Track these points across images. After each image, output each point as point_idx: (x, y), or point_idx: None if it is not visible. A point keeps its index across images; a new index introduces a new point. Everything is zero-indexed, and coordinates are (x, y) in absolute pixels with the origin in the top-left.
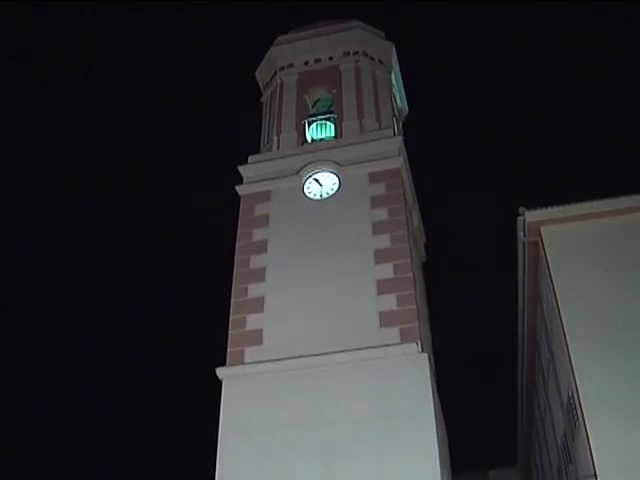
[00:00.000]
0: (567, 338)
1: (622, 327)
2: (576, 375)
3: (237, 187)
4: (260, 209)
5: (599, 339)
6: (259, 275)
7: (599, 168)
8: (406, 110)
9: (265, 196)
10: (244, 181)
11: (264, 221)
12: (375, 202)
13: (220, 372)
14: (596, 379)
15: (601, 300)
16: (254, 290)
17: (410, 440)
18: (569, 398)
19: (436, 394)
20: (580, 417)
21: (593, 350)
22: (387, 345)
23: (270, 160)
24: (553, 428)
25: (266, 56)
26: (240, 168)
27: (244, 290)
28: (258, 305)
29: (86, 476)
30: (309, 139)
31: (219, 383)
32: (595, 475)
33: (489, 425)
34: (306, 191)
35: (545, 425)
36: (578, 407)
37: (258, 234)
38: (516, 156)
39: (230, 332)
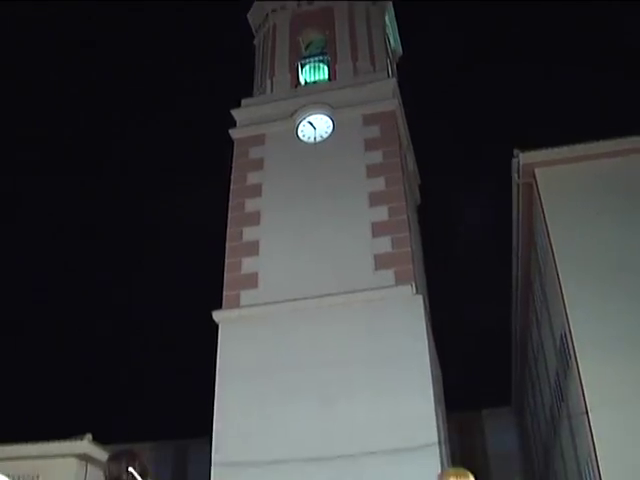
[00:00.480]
0: (560, 279)
1: (615, 268)
2: (569, 315)
3: (230, 131)
4: (254, 153)
5: (592, 280)
6: (254, 218)
7: (595, 110)
8: (400, 51)
9: (259, 140)
10: (237, 125)
11: (258, 165)
12: (369, 145)
13: (216, 315)
14: (588, 319)
15: (595, 242)
16: (249, 234)
17: (405, 380)
18: (562, 338)
19: (430, 335)
20: (572, 356)
21: (586, 291)
22: (382, 287)
23: (263, 103)
24: (546, 368)
25: None
26: (233, 112)
27: (239, 234)
28: (253, 248)
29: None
30: (302, 82)
31: (216, 326)
32: (586, 412)
33: (483, 365)
34: (300, 134)
35: (538, 365)
36: (570, 346)
37: (252, 178)
38: (512, 97)
39: (225, 275)
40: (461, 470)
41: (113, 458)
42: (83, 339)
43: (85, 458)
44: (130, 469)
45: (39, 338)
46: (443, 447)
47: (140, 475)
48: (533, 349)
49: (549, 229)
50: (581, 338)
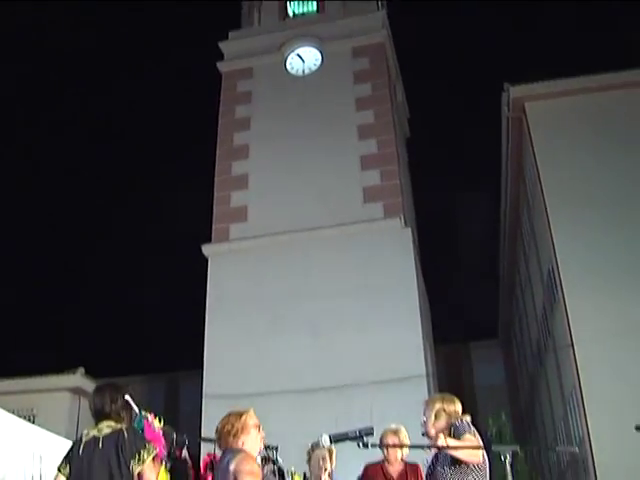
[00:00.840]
0: (548, 213)
1: (603, 202)
2: (556, 249)
3: (218, 64)
4: (242, 86)
5: (580, 214)
6: (242, 152)
7: (586, 44)
8: None
9: (247, 73)
10: (225, 58)
11: (246, 98)
12: (358, 77)
13: (206, 249)
14: (575, 253)
15: (583, 176)
16: (238, 167)
17: (394, 312)
18: (549, 272)
19: (419, 267)
20: (559, 290)
21: (574, 225)
22: (371, 220)
23: (251, 36)
24: (533, 301)
25: None
26: (221, 44)
27: (228, 167)
28: (242, 182)
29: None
30: (291, 14)
31: (206, 260)
32: (572, 344)
33: (471, 298)
34: (288, 67)
35: (525, 298)
36: (557, 280)
37: (240, 111)
38: (502, 31)
39: (215, 209)
40: (447, 395)
41: (97, 391)
42: (75, 275)
43: (78, 391)
44: (126, 396)
45: (29, 274)
46: (430, 379)
47: (124, 407)
48: (521, 283)
49: (538, 163)
50: (568, 272)
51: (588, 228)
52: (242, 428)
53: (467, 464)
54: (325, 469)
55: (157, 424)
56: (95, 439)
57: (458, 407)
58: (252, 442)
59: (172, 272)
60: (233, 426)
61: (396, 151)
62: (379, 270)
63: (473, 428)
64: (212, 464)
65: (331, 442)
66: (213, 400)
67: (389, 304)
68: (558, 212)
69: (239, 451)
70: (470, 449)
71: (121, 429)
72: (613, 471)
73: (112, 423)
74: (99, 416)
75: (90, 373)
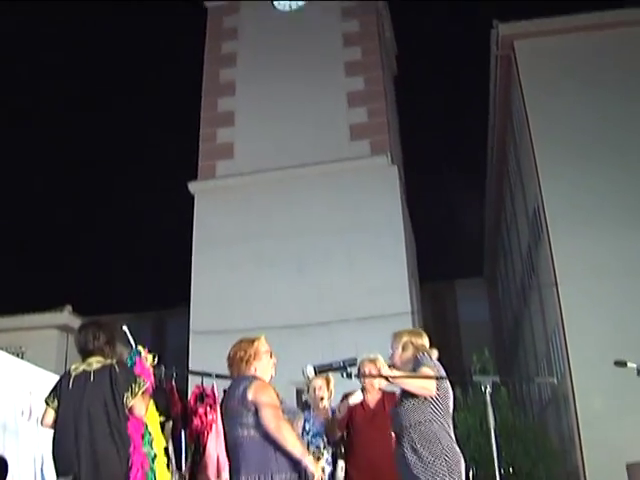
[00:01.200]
0: (535, 152)
1: (590, 143)
2: (542, 188)
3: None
4: (228, 22)
5: (566, 154)
6: (229, 89)
7: None
8: None
9: (233, 8)
10: None
11: (232, 34)
12: (346, 13)
13: (192, 186)
14: (561, 192)
15: (571, 116)
16: (224, 104)
17: (379, 250)
18: (534, 210)
19: (405, 205)
20: (544, 229)
21: (560, 164)
22: (357, 158)
23: None
24: (518, 240)
25: None
26: None
27: (214, 104)
28: (228, 119)
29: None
30: None
31: (192, 198)
32: (555, 283)
33: (456, 236)
34: (275, 3)
35: (511, 237)
36: (542, 219)
37: (226, 47)
38: None
39: (201, 146)
40: (415, 329)
41: (80, 329)
42: (62, 211)
43: (66, 329)
44: (124, 328)
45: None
46: (416, 315)
47: (106, 344)
48: (506, 221)
49: (525, 102)
50: (553, 211)
51: (574, 167)
52: (255, 354)
53: (420, 396)
54: (322, 398)
55: (150, 360)
56: (86, 373)
57: (425, 341)
58: (264, 368)
59: (159, 210)
60: (246, 352)
61: (383, 88)
62: (365, 207)
63: (436, 362)
64: (202, 396)
65: (315, 373)
66: (200, 336)
67: (375, 241)
68: (544, 151)
69: (254, 378)
70: (420, 381)
71: (112, 364)
72: (593, 406)
73: (100, 359)
74: (84, 353)
75: (77, 311)
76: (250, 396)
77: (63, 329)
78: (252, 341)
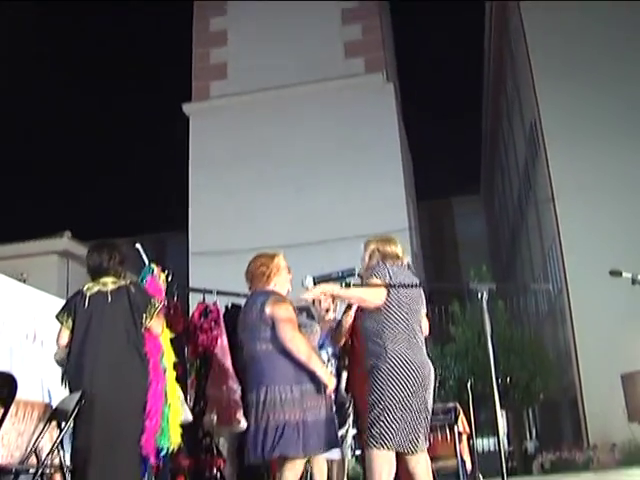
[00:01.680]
0: (532, 67)
1: (588, 59)
2: (539, 103)
3: None
4: None
5: (564, 69)
6: (220, 8)
7: None
8: None
9: None
10: None
11: None
12: None
13: (186, 108)
14: (558, 107)
15: (568, 29)
16: (216, 24)
17: (376, 168)
18: (532, 126)
19: (401, 123)
20: (541, 144)
21: (557, 79)
22: (352, 76)
23: None
24: (515, 156)
25: None
26: None
27: (206, 23)
28: (221, 38)
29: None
30: None
31: (187, 119)
32: (552, 198)
33: (453, 154)
34: None
35: (508, 154)
36: (540, 134)
37: None
38: None
39: (194, 66)
40: (385, 236)
41: (94, 248)
42: (59, 133)
43: (66, 254)
44: (137, 245)
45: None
46: (413, 232)
47: (120, 264)
48: (504, 138)
49: (523, 16)
50: (550, 126)
51: (571, 83)
52: (275, 269)
53: (372, 308)
54: (327, 310)
55: (162, 277)
56: (102, 294)
57: (394, 248)
58: (283, 283)
59: (155, 133)
60: (268, 267)
61: (378, 5)
62: (361, 125)
63: (392, 270)
64: (206, 311)
65: (315, 283)
66: (199, 257)
67: (372, 160)
68: (542, 65)
69: (272, 293)
70: (360, 292)
71: (127, 285)
72: (589, 319)
73: (114, 279)
74: (97, 273)
75: (77, 236)
76: (268, 310)
77: (63, 255)
78: (272, 256)
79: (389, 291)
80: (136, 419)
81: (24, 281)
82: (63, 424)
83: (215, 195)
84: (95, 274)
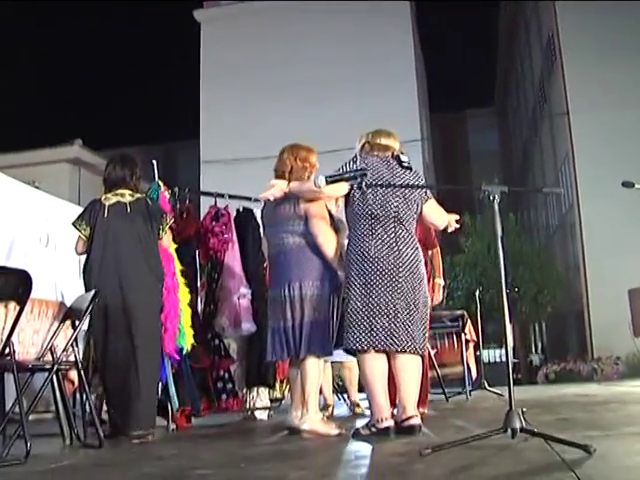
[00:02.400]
0: None
1: None
2: (557, 15)
3: None
4: None
5: None
6: None
7: None
8: None
9: None
10: None
11: None
12: None
13: (198, 14)
14: (577, 22)
15: None
16: None
17: (390, 78)
18: (549, 38)
19: (417, 35)
20: (558, 57)
21: None
22: None
23: None
24: (531, 69)
25: None
26: None
27: None
28: None
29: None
30: None
31: (199, 26)
32: (567, 112)
33: (468, 67)
34: None
35: (524, 66)
36: (557, 47)
37: None
38: None
39: None
40: (380, 130)
41: (117, 161)
42: (69, 44)
43: (77, 162)
44: (153, 162)
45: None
46: (425, 143)
47: (139, 179)
48: (520, 50)
49: None
50: (568, 38)
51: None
52: (314, 165)
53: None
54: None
55: (167, 194)
56: (121, 204)
57: (383, 140)
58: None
59: (167, 40)
60: (310, 162)
61: None
62: (376, 37)
63: (368, 161)
64: (217, 215)
65: (327, 183)
66: (210, 165)
67: (386, 71)
68: None
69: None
70: (308, 185)
71: (144, 197)
72: (599, 233)
73: (130, 192)
74: (115, 185)
75: (88, 144)
76: (302, 205)
77: (74, 163)
78: (313, 151)
79: (353, 185)
80: (154, 321)
81: (37, 188)
82: (77, 322)
83: (226, 103)
84: (113, 186)
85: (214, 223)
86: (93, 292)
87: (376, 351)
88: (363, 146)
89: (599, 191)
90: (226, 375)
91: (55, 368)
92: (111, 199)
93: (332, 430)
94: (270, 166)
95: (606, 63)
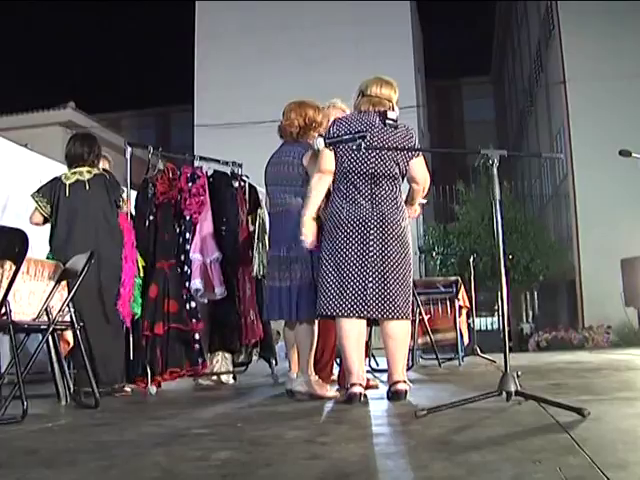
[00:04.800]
0: None
1: None
2: None
3: None
4: None
5: None
6: None
7: None
8: None
9: None
10: None
11: None
12: None
13: None
14: None
15: None
16: None
17: (386, 45)
18: (547, 7)
19: (414, 1)
20: (555, 25)
21: None
22: None
23: None
24: (528, 38)
25: None
26: None
27: None
28: None
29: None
30: None
31: None
32: (564, 81)
33: (464, 34)
34: None
35: (521, 36)
36: (555, 16)
37: None
38: None
39: None
40: (379, 78)
41: (77, 138)
42: (63, 6)
43: (70, 125)
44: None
45: (20, 6)
46: (421, 110)
47: (97, 156)
48: (517, 18)
49: None
50: (566, 8)
51: None
52: (324, 124)
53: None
54: None
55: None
56: (81, 182)
57: (377, 90)
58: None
59: (162, 4)
60: (318, 121)
61: None
62: (374, 3)
63: (347, 120)
64: (193, 176)
65: (326, 145)
66: (204, 129)
67: (382, 36)
68: None
69: (310, 147)
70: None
71: (103, 173)
72: (593, 203)
73: (89, 169)
74: (75, 161)
75: (81, 107)
76: (305, 162)
77: (67, 126)
78: (319, 108)
79: (333, 150)
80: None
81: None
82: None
83: (221, 68)
84: (73, 162)
85: (190, 184)
86: (89, 253)
87: (347, 316)
88: (358, 96)
89: (594, 161)
90: (199, 338)
91: (51, 328)
92: (71, 178)
93: (328, 392)
94: (264, 131)
95: (604, 32)
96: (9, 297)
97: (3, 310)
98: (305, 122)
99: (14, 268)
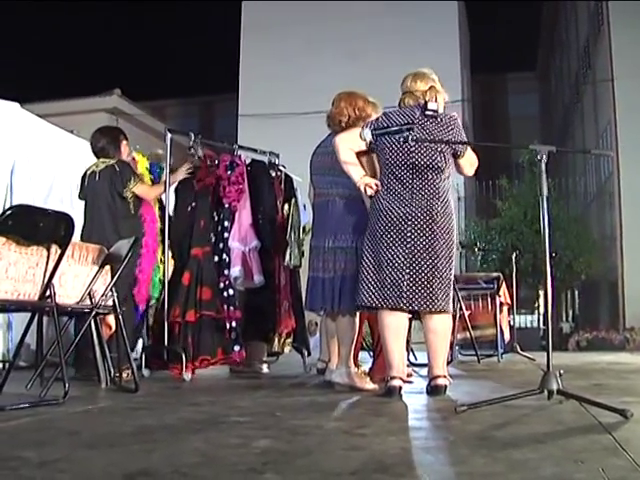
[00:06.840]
0: None
1: None
2: None
3: None
4: None
5: None
6: None
7: None
8: None
9: None
10: None
11: None
12: None
13: None
14: None
15: None
16: None
17: (432, 37)
18: (596, 4)
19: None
20: (605, 22)
21: None
22: None
23: None
24: (577, 34)
25: None
26: None
27: None
28: None
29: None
30: None
31: None
32: (612, 79)
33: (511, 29)
34: None
35: (568, 31)
36: (605, 13)
37: None
38: None
39: None
40: (421, 72)
41: (98, 132)
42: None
43: (115, 112)
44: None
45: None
46: (466, 104)
47: (109, 144)
48: (565, 13)
49: None
50: (616, 5)
51: None
52: (370, 115)
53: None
54: None
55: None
56: (94, 173)
57: (412, 85)
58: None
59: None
60: (363, 109)
61: None
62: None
63: (391, 114)
64: (232, 165)
65: (373, 136)
66: (248, 119)
67: (428, 29)
68: None
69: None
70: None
71: (114, 164)
72: (638, 202)
73: (104, 160)
74: (98, 154)
75: (127, 95)
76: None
77: (112, 112)
78: (368, 100)
79: (373, 140)
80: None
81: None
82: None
83: (266, 58)
84: (97, 155)
85: (229, 172)
86: (133, 238)
87: (388, 308)
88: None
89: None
90: (236, 326)
91: (94, 312)
92: (91, 169)
93: (367, 385)
94: (308, 122)
95: None
96: (54, 280)
97: (48, 293)
98: (355, 112)
99: (59, 252)
